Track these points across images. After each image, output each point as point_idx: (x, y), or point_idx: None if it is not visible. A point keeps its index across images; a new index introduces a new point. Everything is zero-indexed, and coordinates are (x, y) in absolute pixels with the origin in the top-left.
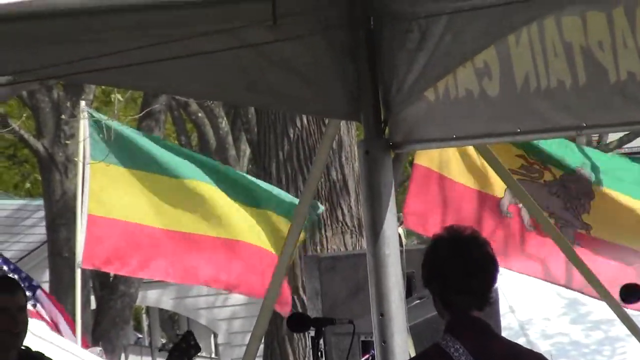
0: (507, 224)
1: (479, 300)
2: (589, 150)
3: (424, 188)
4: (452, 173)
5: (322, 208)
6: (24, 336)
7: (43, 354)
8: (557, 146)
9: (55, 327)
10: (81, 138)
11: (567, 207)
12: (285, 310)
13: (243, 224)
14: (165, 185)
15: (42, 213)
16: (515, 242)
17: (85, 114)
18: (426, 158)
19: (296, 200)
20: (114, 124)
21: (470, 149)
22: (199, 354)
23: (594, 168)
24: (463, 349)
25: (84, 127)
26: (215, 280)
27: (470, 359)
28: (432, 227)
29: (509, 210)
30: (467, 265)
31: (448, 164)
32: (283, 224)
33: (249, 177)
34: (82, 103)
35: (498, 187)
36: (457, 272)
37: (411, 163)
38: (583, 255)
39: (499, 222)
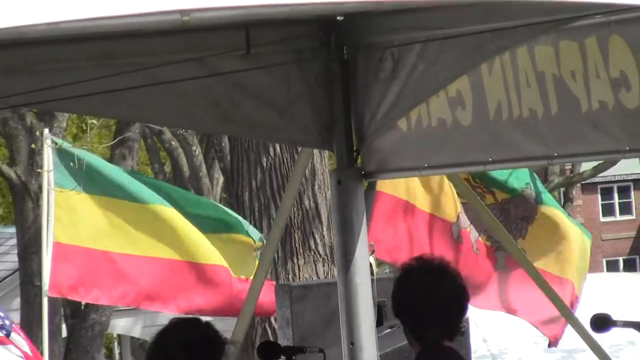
0: (459, 248)
1: (450, 330)
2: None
3: (387, 215)
4: (416, 199)
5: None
6: None
7: None
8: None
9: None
10: (45, 167)
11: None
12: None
13: (207, 248)
14: (133, 211)
15: (14, 241)
16: (468, 268)
17: (49, 142)
18: (389, 185)
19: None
20: (80, 152)
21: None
22: None
23: (536, 187)
24: None
25: (48, 155)
26: (180, 307)
27: None
28: (398, 255)
29: (460, 235)
30: (437, 296)
31: (412, 189)
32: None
33: (220, 205)
34: (46, 131)
35: (450, 211)
36: (427, 303)
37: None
38: (511, 280)
39: (451, 247)
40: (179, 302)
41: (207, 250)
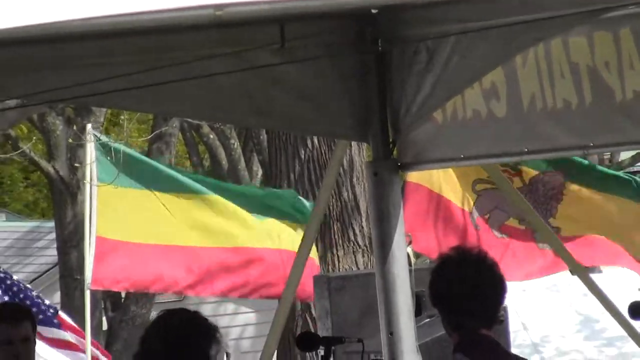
0: (479, 235)
1: (487, 319)
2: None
3: (417, 205)
4: (443, 190)
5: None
6: None
7: None
8: None
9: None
10: (87, 161)
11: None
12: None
13: (257, 231)
14: (175, 202)
15: (53, 235)
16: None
17: (91, 137)
18: (418, 175)
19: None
20: (121, 147)
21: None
22: None
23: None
24: None
25: (90, 150)
26: (230, 289)
27: None
28: (427, 245)
29: (477, 224)
30: (475, 286)
31: (436, 179)
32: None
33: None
34: (88, 126)
35: (467, 201)
36: (465, 293)
37: None
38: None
39: (475, 235)
40: (220, 284)
41: (256, 233)
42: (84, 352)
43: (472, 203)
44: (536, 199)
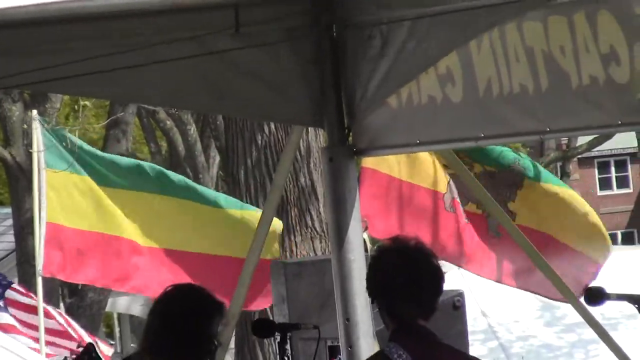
0: (452, 218)
1: (425, 310)
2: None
3: (374, 190)
4: (401, 173)
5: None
6: None
7: None
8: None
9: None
10: (34, 147)
11: (492, 198)
12: (262, 306)
13: (211, 233)
14: (127, 198)
15: (10, 221)
16: (461, 237)
17: (37, 124)
18: (373, 160)
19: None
20: (70, 135)
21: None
22: None
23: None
24: (406, 355)
25: (37, 136)
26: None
27: None
28: (387, 230)
29: (452, 205)
30: (414, 276)
31: (397, 164)
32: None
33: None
34: (34, 112)
35: (440, 182)
36: (404, 283)
37: None
38: (502, 245)
39: (444, 218)
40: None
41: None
42: (25, 334)
43: (445, 185)
44: (495, 184)
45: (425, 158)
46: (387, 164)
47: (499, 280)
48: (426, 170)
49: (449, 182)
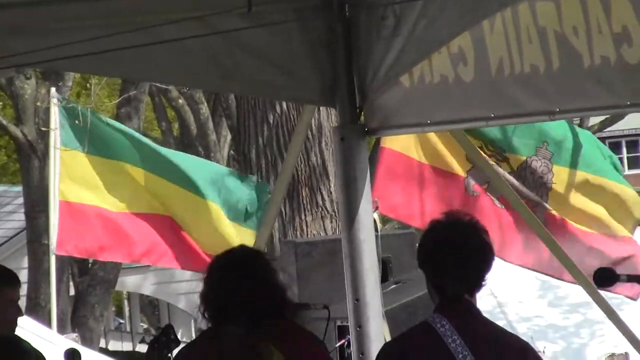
0: (472, 203)
1: (471, 285)
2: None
3: (393, 171)
4: (422, 155)
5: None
6: None
7: (20, 338)
8: (517, 130)
9: None
10: (52, 125)
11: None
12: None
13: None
14: (138, 175)
15: (21, 200)
16: (490, 222)
17: (56, 101)
18: (393, 140)
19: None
20: (87, 112)
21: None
22: None
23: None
24: (449, 325)
25: (54, 114)
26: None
27: (455, 334)
28: (404, 211)
29: (474, 189)
30: (461, 251)
31: (418, 145)
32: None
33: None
34: (52, 90)
35: (461, 167)
36: (451, 257)
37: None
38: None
39: (464, 201)
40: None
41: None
42: None
43: (467, 169)
44: (527, 186)
45: (445, 140)
46: (405, 145)
47: (517, 262)
48: (444, 153)
49: (470, 169)
